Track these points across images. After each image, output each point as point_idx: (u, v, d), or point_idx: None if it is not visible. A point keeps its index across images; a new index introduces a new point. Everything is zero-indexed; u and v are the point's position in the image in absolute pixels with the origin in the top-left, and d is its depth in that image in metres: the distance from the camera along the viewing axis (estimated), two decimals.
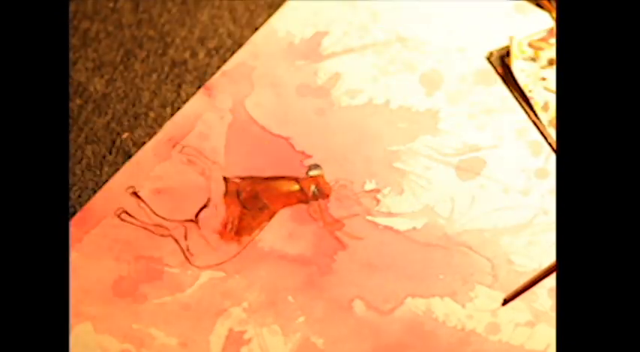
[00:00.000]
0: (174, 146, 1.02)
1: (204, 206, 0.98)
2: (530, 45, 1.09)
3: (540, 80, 1.07)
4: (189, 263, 0.94)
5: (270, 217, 0.98)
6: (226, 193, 0.99)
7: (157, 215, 0.98)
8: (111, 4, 1.11)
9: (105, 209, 0.98)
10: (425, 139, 1.03)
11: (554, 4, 1.11)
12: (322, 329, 0.92)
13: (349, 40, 1.09)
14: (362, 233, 0.97)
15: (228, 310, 0.92)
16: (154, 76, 1.07)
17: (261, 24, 1.10)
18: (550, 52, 1.08)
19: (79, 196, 0.99)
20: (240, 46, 1.09)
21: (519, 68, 1.07)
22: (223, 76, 1.07)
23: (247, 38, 1.09)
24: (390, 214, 0.98)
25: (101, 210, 0.98)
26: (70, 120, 1.03)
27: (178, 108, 1.05)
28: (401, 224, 0.98)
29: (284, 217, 0.98)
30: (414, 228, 0.98)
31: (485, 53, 1.09)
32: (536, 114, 1.05)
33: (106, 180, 1.00)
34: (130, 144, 1.03)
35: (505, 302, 0.94)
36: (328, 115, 1.05)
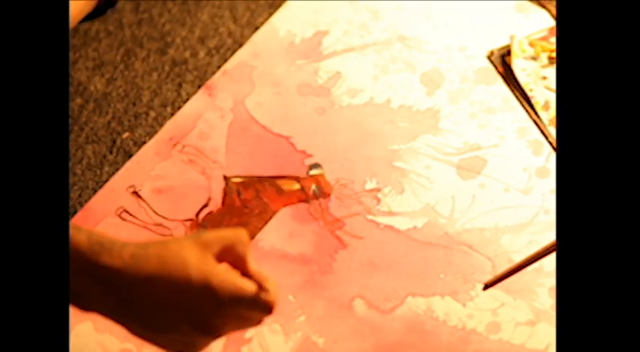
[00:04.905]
0: (174, 145, 1.02)
1: (205, 205, 0.98)
2: (531, 44, 1.09)
3: (541, 79, 1.06)
4: None
5: (271, 216, 0.98)
6: (227, 192, 0.99)
7: (157, 214, 0.98)
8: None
9: (105, 208, 0.98)
10: (426, 138, 1.03)
11: (554, 2, 1.11)
12: (323, 328, 0.92)
13: (350, 39, 1.09)
14: (362, 232, 0.97)
15: None
16: (155, 76, 1.07)
17: (262, 23, 1.10)
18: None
19: (80, 196, 0.99)
20: (240, 45, 1.09)
21: (520, 67, 1.07)
22: (224, 76, 1.07)
23: (248, 37, 1.09)
24: (390, 213, 0.98)
25: (102, 210, 0.98)
26: (71, 120, 1.03)
27: (179, 108, 1.04)
28: (401, 223, 0.98)
29: (285, 216, 0.98)
30: (415, 227, 0.98)
31: (486, 52, 1.09)
32: (536, 113, 1.04)
33: (107, 180, 1.00)
34: (131, 143, 1.03)
35: (485, 287, 0.94)
36: (329, 114, 1.05)
